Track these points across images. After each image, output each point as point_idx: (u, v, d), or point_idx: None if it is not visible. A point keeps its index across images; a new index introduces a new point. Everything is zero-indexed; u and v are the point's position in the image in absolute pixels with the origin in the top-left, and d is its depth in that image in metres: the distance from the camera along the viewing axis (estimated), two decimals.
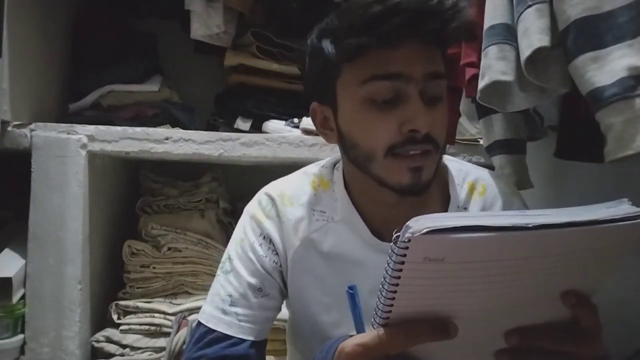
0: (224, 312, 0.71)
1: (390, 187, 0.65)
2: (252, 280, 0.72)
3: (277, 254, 0.74)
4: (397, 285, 0.43)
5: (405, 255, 0.41)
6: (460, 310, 0.47)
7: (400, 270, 0.42)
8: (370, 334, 0.47)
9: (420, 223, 0.39)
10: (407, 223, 0.40)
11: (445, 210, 0.72)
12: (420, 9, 0.58)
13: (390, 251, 0.42)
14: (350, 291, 0.51)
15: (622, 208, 0.44)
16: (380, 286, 0.45)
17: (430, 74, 0.62)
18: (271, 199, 0.75)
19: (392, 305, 0.45)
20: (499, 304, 0.47)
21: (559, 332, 0.50)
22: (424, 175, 0.64)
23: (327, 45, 0.64)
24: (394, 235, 0.41)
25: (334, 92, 0.66)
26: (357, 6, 0.59)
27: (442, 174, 0.74)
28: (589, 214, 0.42)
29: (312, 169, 0.79)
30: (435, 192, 0.71)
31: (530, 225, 0.40)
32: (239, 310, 0.71)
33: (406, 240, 0.40)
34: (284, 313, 0.82)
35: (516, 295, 0.46)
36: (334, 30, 0.64)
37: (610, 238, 0.45)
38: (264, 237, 0.74)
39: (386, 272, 0.43)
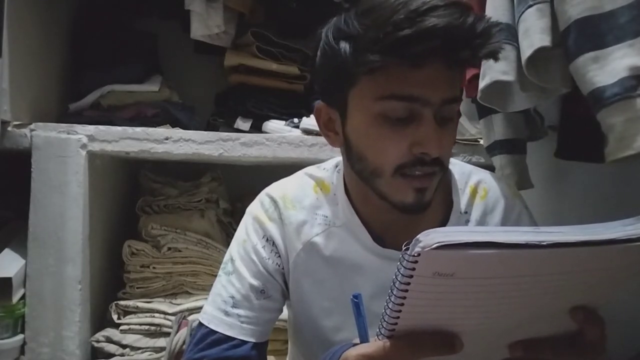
0: (226, 313, 0.71)
1: (392, 204, 0.65)
2: (255, 282, 0.72)
3: (279, 256, 0.74)
4: (404, 298, 0.42)
5: (414, 269, 0.40)
6: (467, 324, 0.46)
7: (409, 283, 0.41)
8: (375, 345, 0.47)
9: (431, 237, 0.38)
10: (417, 237, 0.39)
11: (447, 216, 0.72)
12: (452, 35, 0.55)
13: (398, 263, 0.41)
14: (355, 300, 0.50)
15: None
16: (387, 297, 0.44)
17: (447, 99, 0.60)
18: (274, 201, 0.75)
19: (398, 317, 0.44)
20: (506, 318, 0.46)
21: (564, 345, 0.50)
22: (427, 196, 0.64)
23: (345, 50, 0.60)
24: (403, 248, 0.40)
25: (345, 98, 0.64)
26: (384, 20, 0.55)
27: (445, 179, 0.73)
28: (605, 233, 0.40)
29: (314, 171, 0.78)
30: (437, 197, 0.71)
31: (544, 243, 0.38)
32: (241, 311, 0.71)
33: (415, 255, 0.39)
34: (285, 313, 0.82)
35: (524, 311, 0.46)
36: (355, 36, 0.59)
37: (628, 257, 0.43)
38: (267, 239, 0.74)
39: (394, 284, 0.42)
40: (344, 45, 0.60)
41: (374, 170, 0.63)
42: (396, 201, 0.64)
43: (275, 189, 0.77)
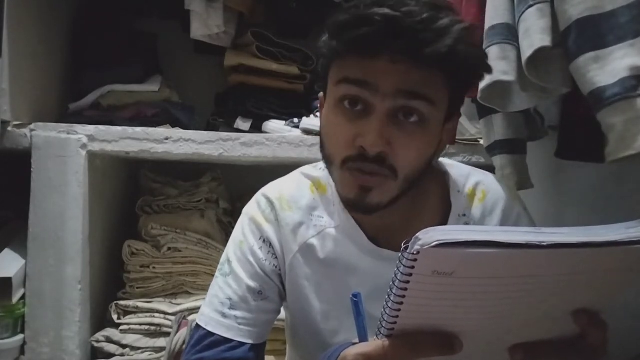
0: (223, 315, 0.70)
1: (341, 197, 0.66)
2: (252, 284, 0.71)
3: (276, 257, 0.73)
4: (403, 297, 0.42)
5: (413, 268, 0.39)
6: (467, 324, 0.46)
7: (408, 282, 0.41)
8: (374, 344, 0.47)
9: (430, 236, 0.38)
10: (416, 235, 0.39)
11: (446, 218, 0.71)
12: (391, 24, 0.55)
13: (398, 262, 0.41)
14: (355, 299, 0.50)
15: None
16: (387, 296, 0.44)
17: (404, 91, 0.58)
18: (270, 202, 0.74)
19: (397, 316, 0.44)
20: (506, 320, 0.46)
21: (565, 348, 0.50)
22: (373, 198, 0.61)
23: (323, 41, 0.65)
24: (403, 246, 0.40)
25: (326, 86, 0.66)
26: (342, 10, 0.59)
27: (443, 181, 0.73)
28: (607, 235, 0.40)
29: (310, 170, 0.77)
30: (434, 199, 0.70)
31: (544, 244, 0.38)
32: (238, 313, 0.70)
33: (415, 253, 0.38)
34: (283, 313, 0.82)
35: (524, 312, 0.45)
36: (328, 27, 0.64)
37: (629, 260, 0.43)
38: (264, 241, 0.73)
39: (393, 282, 0.42)
40: (324, 38, 0.64)
41: (329, 158, 0.65)
42: (342, 194, 0.65)
43: (272, 189, 0.76)
